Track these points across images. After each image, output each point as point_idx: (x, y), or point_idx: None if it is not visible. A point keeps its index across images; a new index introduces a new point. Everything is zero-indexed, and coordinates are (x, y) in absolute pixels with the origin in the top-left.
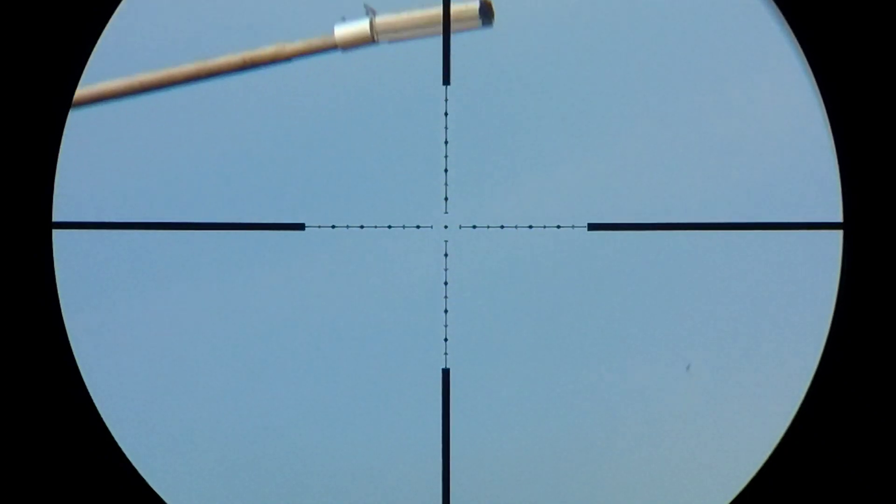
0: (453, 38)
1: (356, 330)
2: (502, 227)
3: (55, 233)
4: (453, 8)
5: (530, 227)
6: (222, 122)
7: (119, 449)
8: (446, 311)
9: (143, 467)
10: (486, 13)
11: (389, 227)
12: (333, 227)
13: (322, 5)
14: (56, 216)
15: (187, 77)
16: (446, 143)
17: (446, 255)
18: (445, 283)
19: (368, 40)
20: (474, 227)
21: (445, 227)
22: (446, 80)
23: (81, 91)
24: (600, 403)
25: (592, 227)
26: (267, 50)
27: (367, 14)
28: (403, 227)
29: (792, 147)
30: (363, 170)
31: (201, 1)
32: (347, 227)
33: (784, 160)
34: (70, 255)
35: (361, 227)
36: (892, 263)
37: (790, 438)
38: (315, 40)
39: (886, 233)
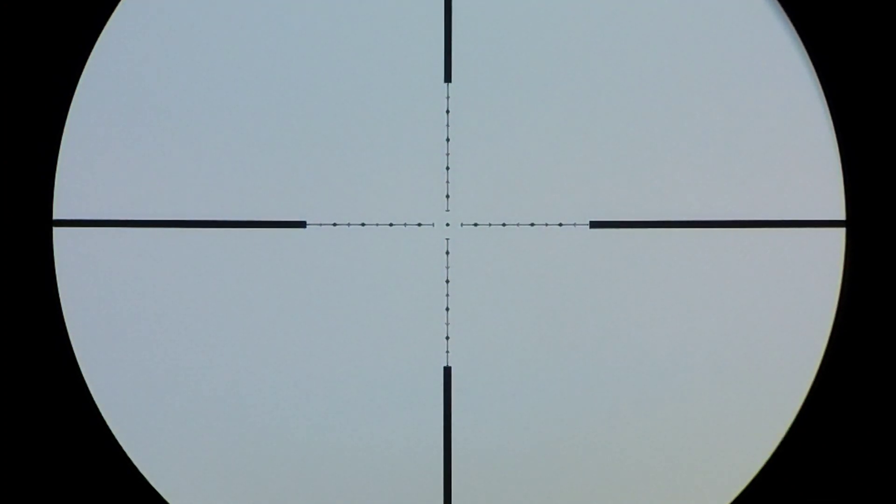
0: (454, 36)
1: (357, 327)
2: (504, 224)
3: (55, 230)
4: None
5: (532, 224)
6: (223, 119)
7: (120, 447)
8: (448, 309)
9: (143, 465)
10: None
11: (391, 224)
12: (335, 224)
13: (326, 8)
14: (56, 214)
15: None
16: (448, 140)
17: (448, 252)
18: (447, 281)
19: None
20: (476, 224)
21: (447, 224)
22: (448, 78)
23: None
24: (601, 401)
25: (594, 224)
26: None
27: None
28: (405, 224)
29: (795, 144)
30: (364, 167)
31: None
32: (349, 224)
33: (787, 158)
34: (70, 252)
35: (363, 224)
36: (894, 261)
37: (792, 437)
38: None
39: (889, 230)
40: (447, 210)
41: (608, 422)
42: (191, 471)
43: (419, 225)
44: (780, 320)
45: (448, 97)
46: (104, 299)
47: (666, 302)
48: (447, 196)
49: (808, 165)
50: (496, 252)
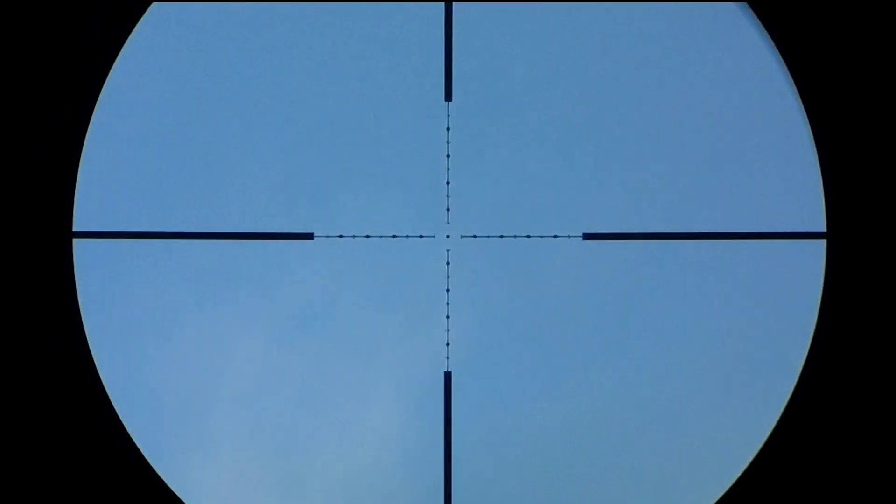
0: (454, 59)
1: (362, 333)
2: (501, 236)
3: (75, 241)
4: None
5: (528, 236)
6: (236, 137)
7: (137, 449)
8: (448, 317)
9: (157, 464)
10: None
11: (394, 236)
12: (341, 236)
13: (333, 34)
14: (76, 226)
15: None
16: (448, 156)
17: (448, 263)
18: (447, 290)
19: None
20: (475, 236)
21: (447, 236)
22: (448, 97)
23: None
24: (595, 404)
25: (587, 236)
26: None
27: None
28: (407, 236)
29: (778, 160)
30: (369, 182)
31: (220, 14)
32: (354, 236)
33: (770, 173)
34: (89, 262)
35: (367, 236)
36: (873, 271)
37: (774, 441)
38: None
39: (868, 242)
40: (447, 223)
41: (602, 424)
42: (202, 469)
43: (421, 237)
44: (764, 328)
45: (448, 115)
46: (121, 307)
47: (655, 309)
48: (448, 209)
49: (791, 180)
50: (494, 262)
